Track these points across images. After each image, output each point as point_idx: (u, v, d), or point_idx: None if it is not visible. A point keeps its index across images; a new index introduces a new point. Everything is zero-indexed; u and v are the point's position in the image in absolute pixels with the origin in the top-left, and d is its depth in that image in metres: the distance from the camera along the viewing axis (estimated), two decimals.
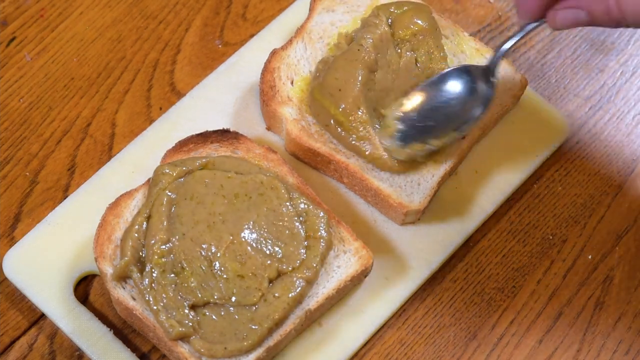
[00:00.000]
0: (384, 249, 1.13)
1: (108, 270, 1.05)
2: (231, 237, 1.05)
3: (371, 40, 1.15)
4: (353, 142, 1.13)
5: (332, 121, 1.13)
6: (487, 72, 1.11)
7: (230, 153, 1.12)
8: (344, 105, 1.12)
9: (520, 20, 1.19)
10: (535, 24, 1.05)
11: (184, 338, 1.02)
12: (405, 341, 1.12)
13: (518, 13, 1.05)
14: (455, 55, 1.19)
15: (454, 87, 1.11)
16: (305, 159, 1.17)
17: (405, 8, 1.18)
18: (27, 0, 1.26)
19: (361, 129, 1.12)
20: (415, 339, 1.12)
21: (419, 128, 1.11)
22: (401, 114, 1.11)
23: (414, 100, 1.12)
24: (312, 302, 1.05)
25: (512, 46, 1.09)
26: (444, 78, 1.12)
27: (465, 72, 1.11)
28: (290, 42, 1.19)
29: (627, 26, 0.97)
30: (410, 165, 1.13)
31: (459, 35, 1.21)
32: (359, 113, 1.12)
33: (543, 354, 1.12)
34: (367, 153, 1.12)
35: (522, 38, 1.08)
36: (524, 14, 1.04)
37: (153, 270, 1.03)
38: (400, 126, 1.11)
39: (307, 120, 1.15)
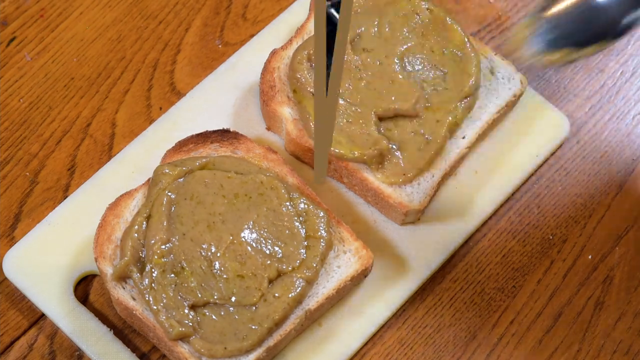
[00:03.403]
0: (384, 249, 1.13)
1: (108, 270, 1.05)
2: (231, 237, 1.05)
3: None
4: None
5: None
6: None
7: (230, 153, 1.12)
8: None
9: None
10: None
11: (184, 338, 1.02)
12: (405, 341, 1.12)
13: None
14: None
15: None
16: (305, 159, 1.17)
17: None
18: (27, 0, 1.26)
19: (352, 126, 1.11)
20: (415, 339, 1.12)
21: (558, 33, 0.87)
22: (536, 17, 0.87)
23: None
24: (312, 302, 1.05)
25: None
26: None
27: None
28: (290, 42, 1.19)
29: None
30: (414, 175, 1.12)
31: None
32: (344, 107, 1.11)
33: (543, 354, 1.12)
34: (371, 157, 1.10)
35: None
36: None
37: (153, 270, 1.03)
38: (534, 30, 0.88)
39: None
